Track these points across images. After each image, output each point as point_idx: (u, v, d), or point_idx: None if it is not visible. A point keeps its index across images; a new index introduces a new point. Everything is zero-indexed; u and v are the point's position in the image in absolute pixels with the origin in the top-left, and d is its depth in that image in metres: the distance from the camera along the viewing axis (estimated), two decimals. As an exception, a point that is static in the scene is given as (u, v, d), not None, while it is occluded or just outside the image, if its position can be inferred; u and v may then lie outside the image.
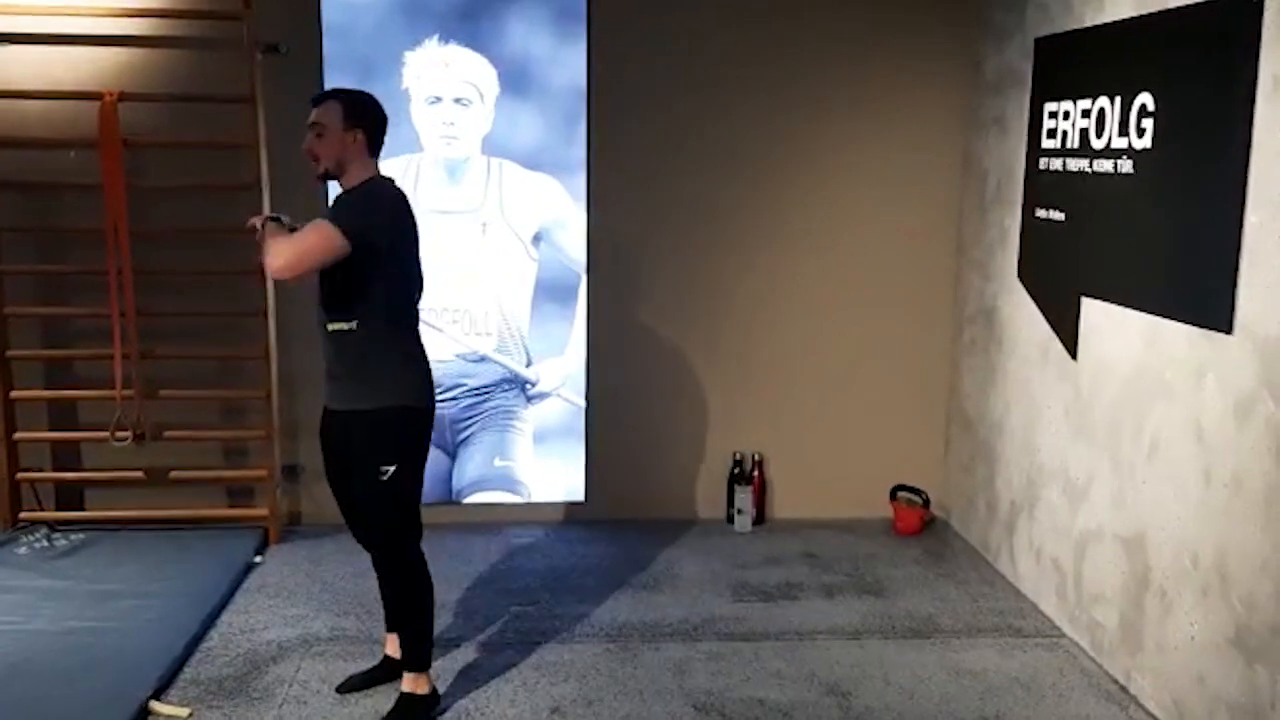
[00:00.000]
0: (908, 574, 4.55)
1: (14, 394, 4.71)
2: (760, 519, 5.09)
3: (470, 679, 3.63)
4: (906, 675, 3.70)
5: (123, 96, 4.53)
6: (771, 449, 5.13)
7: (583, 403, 4.98)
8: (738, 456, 5.08)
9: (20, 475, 4.75)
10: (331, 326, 3.24)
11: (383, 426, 3.24)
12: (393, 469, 3.23)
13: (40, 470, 4.83)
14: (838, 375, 5.10)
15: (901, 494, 5.09)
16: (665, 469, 5.12)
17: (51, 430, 4.83)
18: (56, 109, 4.60)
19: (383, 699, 3.47)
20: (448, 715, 3.42)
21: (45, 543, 4.60)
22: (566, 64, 4.78)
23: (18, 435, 4.73)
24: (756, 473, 5.08)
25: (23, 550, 4.52)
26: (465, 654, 3.80)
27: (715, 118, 4.89)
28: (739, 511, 5.02)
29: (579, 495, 5.05)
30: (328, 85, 4.66)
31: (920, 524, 5.01)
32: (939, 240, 5.05)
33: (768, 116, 4.90)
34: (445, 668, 3.69)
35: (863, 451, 5.15)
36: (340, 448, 3.36)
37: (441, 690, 3.53)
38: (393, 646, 3.59)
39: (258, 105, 4.58)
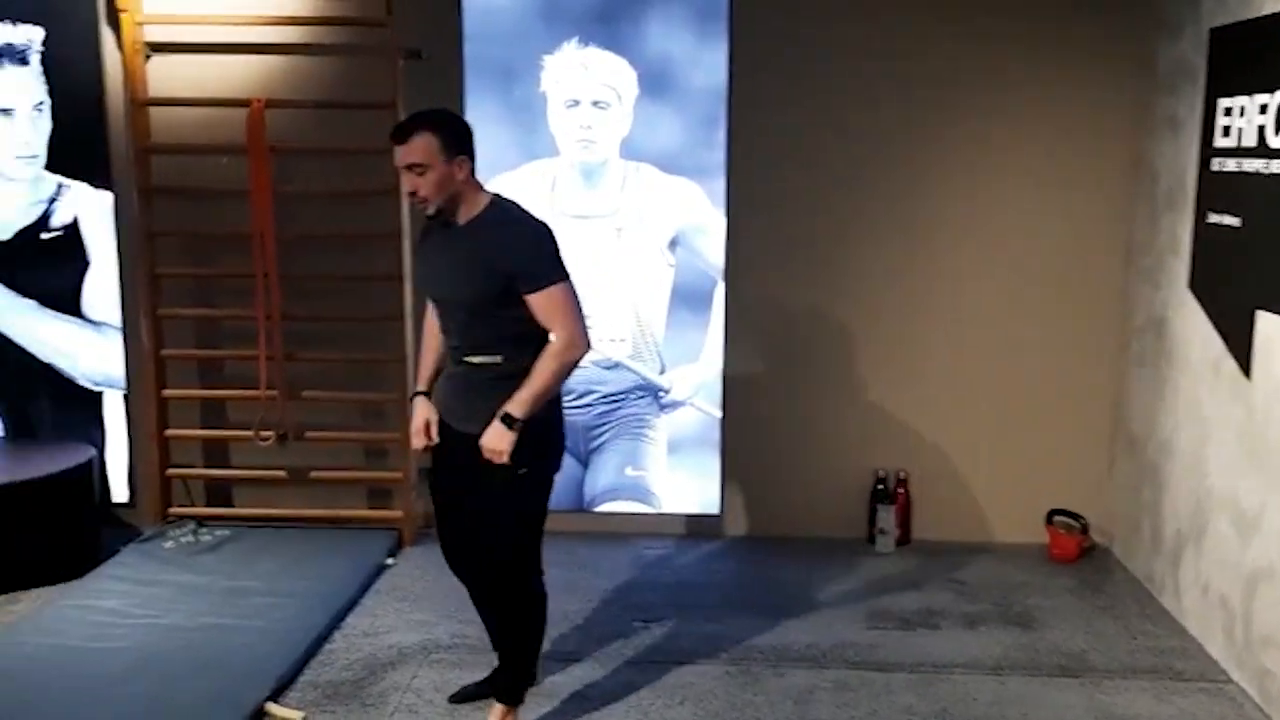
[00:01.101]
0: (1060, 605, 4.23)
1: (166, 392, 4.86)
2: (904, 540, 4.84)
3: (583, 697, 3.53)
4: (1049, 717, 3.42)
5: (270, 103, 4.63)
6: (917, 466, 4.87)
7: (718, 413, 4.83)
8: (881, 473, 4.84)
9: (170, 471, 4.91)
10: (475, 360, 3.08)
11: (522, 436, 3.02)
12: (525, 471, 3.06)
13: (191, 467, 4.98)
14: (991, 389, 4.80)
15: (1058, 518, 4.75)
16: (803, 484, 4.91)
17: (202, 428, 4.98)
18: (208, 116, 4.73)
19: (493, 713, 3.41)
20: (556, 734, 3.35)
21: (191, 538, 4.73)
22: (706, 64, 4.65)
23: (169, 432, 4.89)
24: (900, 491, 4.83)
25: (169, 545, 4.66)
26: (582, 670, 3.71)
27: (862, 118, 4.67)
28: (881, 531, 4.78)
29: (713, 508, 4.90)
30: (468, 90, 4.70)
31: (1078, 551, 4.67)
32: (1106, 247, 4.70)
33: (920, 116, 4.66)
34: (559, 682, 3.61)
35: (1017, 471, 4.84)
36: (464, 470, 3.13)
37: (552, 706, 3.46)
38: None
39: (399, 111, 4.60)
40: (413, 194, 3.01)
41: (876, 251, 4.76)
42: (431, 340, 3.34)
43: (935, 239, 4.74)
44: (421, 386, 3.34)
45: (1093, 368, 4.77)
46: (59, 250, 4.87)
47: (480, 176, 4.62)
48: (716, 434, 4.85)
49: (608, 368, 4.80)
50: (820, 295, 4.81)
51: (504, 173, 4.70)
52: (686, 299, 4.78)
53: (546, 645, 3.82)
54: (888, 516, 4.77)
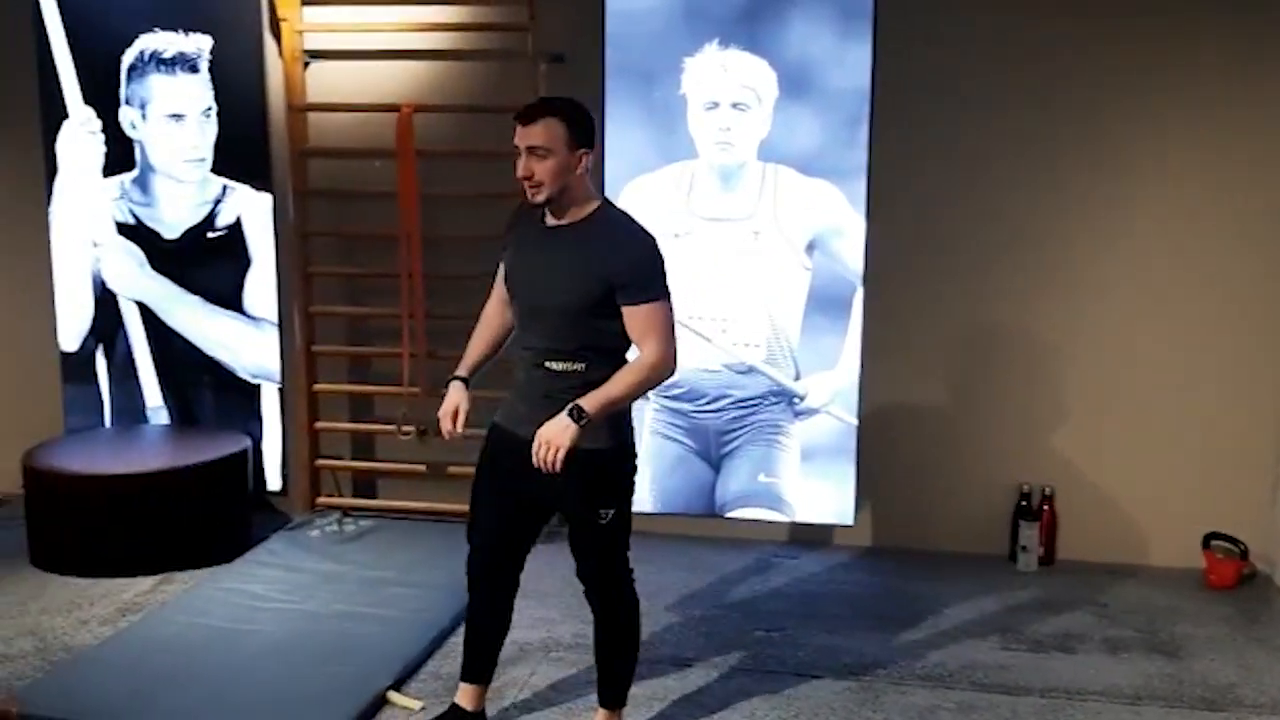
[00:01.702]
0: (1211, 634, 3.99)
1: (317, 386, 5.06)
2: (1047, 559, 4.63)
3: (695, 703, 3.51)
4: (1188, 754, 3.23)
5: (418, 108, 4.76)
6: (1064, 482, 4.66)
7: (854, 421, 4.73)
8: (1025, 489, 4.65)
9: (319, 462, 5.10)
10: (557, 366, 2.97)
11: (602, 469, 2.97)
12: (612, 513, 3.01)
13: (339, 459, 5.17)
14: (1147, 403, 4.56)
15: (1216, 542, 4.47)
16: (942, 497, 4.77)
17: (350, 422, 5.16)
18: (361, 121, 4.90)
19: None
20: (666, 739, 3.34)
21: (336, 527, 4.91)
22: (849, 65, 4.55)
23: (319, 425, 5.08)
24: (1045, 508, 4.63)
25: (315, 533, 4.85)
26: (697, 675, 3.68)
27: (1009, 119, 4.51)
28: (1023, 549, 4.59)
29: (847, 519, 4.79)
30: (609, 93, 4.73)
31: (1236, 577, 4.39)
32: (1274, 255, 4.40)
33: (1070, 117, 4.46)
34: (672, 686, 3.59)
35: (1173, 491, 4.58)
36: (524, 481, 2.99)
37: (663, 709, 3.44)
38: (465, 698, 3.31)
39: (539, 114, 4.67)
40: (528, 178, 2.89)
41: (1023, 257, 4.58)
42: (486, 332, 3.27)
43: (1087, 244, 4.54)
44: (462, 373, 3.21)
45: (1258, 384, 4.48)
46: (223, 249, 5.12)
47: (618, 178, 4.76)
48: (852, 443, 4.74)
49: (742, 372, 4.76)
50: (964, 301, 4.66)
51: (641, 174, 4.72)
52: (823, 304, 4.69)
53: (665, 649, 3.85)
54: (1030, 534, 4.57)
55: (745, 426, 4.80)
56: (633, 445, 3.10)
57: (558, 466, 2.81)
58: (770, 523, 4.84)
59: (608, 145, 4.71)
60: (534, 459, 2.83)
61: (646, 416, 4.83)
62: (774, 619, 4.11)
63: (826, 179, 4.63)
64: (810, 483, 4.79)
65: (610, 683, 3.24)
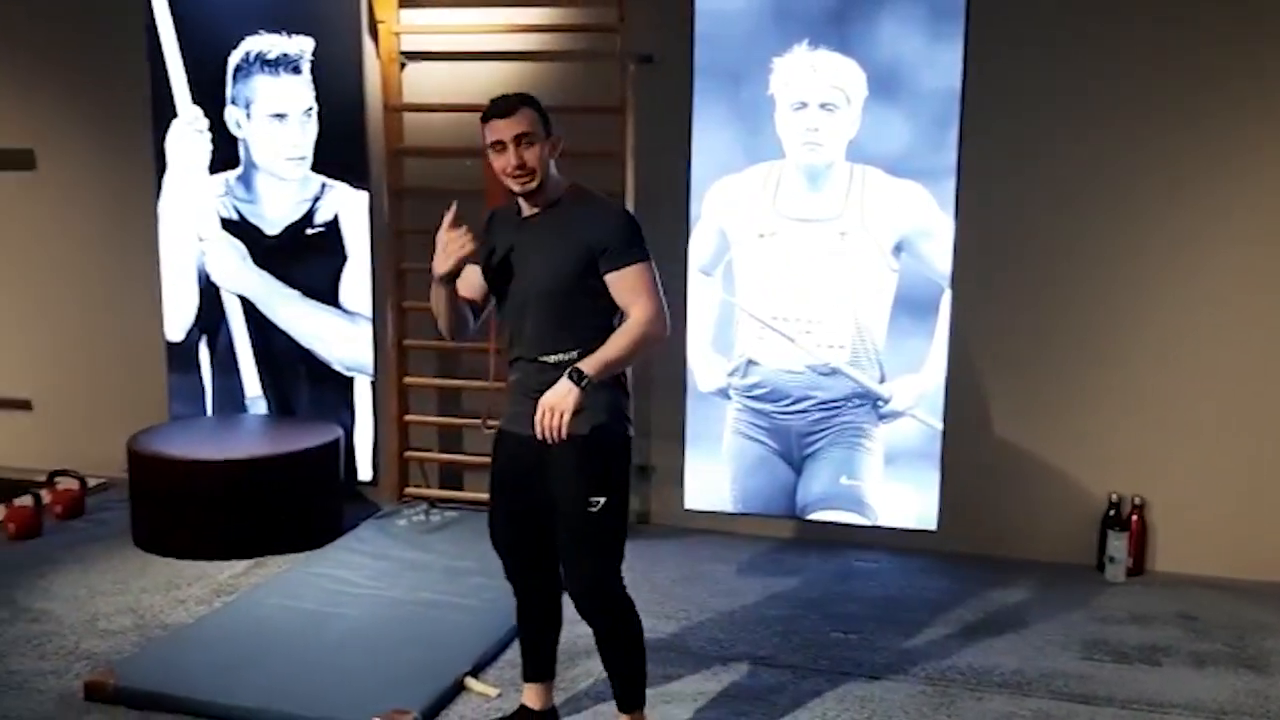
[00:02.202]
0: (1304, 652, 3.87)
1: (407, 379, 5.19)
2: (1136, 570, 4.53)
3: (768, 701, 3.51)
4: (1273, 773, 3.14)
5: (509, 108, 4.85)
6: (1155, 492, 4.55)
7: (939, 425, 4.68)
8: (1114, 498, 4.55)
9: (408, 453, 5.23)
10: (552, 359, 2.93)
11: (596, 449, 2.92)
12: (602, 501, 2.93)
13: (427, 451, 5.29)
14: (1244, 413, 4.44)
15: (1316, 558, 4.34)
16: (1029, 504, 4.69)
17: (438, 415, 5.27)
18: (454, 120, 5.00)
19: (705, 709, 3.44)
20: (736, 735, 3.35)
21: (423, 517, 5.02)
22: (939, 65, 4.51)
23: (408, 417, 5.21)
24: (1135, 518, 4.53)
25: (402, 522, 4.97)
26: (771, 673, 3.69)
27: (1104, 122, 4.43)
28: (1110, 559, 4.49)
29: (930, 524, 4.74)
30: (696, 93, 4.75)
31: (1335, 596, 4.25)
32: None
33: (1167, 120, 4.36)
34: (745, 684, 3.61)
35: (1271, 504, 4.44)
36: (537, 479, 3.00)
37: (736, 707, 3.45)
38: (531, 697, 3.34)
39: (627, 115, 4.73)
40: (519, 166, 2.88)
41: (1117, 260, 4.49)
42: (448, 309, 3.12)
43: (1185, 249, 4.43)
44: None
45: (1365, 395, 4.33)
46: (321, 245, 5.27)
47: (703, 178, 4.79)
48: (936, 447, 4.69)
49: (825, 374, 4.74)
50: (1055, 306, 4.58)
51: (728, 175, 4.73)
52: (910, 306, 4.65)
53: (740, 647, 3.86)
54: (1119, 544, 4.48)
55: (828, 428, 4.78)
56: (629, 438, 3.04)
57: (563, 433, 2.78)
58: (851, 526, 4.82)
59: (694, 145, 4.74)
60: (537, 429, 2.80)
61: (728, 416, 4.85)
62: (851, 621, 4.10)
63: (915, 180, 4.59)
64: (893, 486, 4.76)
65: (625, 686, 3.17)
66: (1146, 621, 4.11)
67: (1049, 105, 4.47)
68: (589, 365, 2.82)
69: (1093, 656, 3.83)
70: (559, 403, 2.78)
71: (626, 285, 2.90)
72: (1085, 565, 4.60)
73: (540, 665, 3.32)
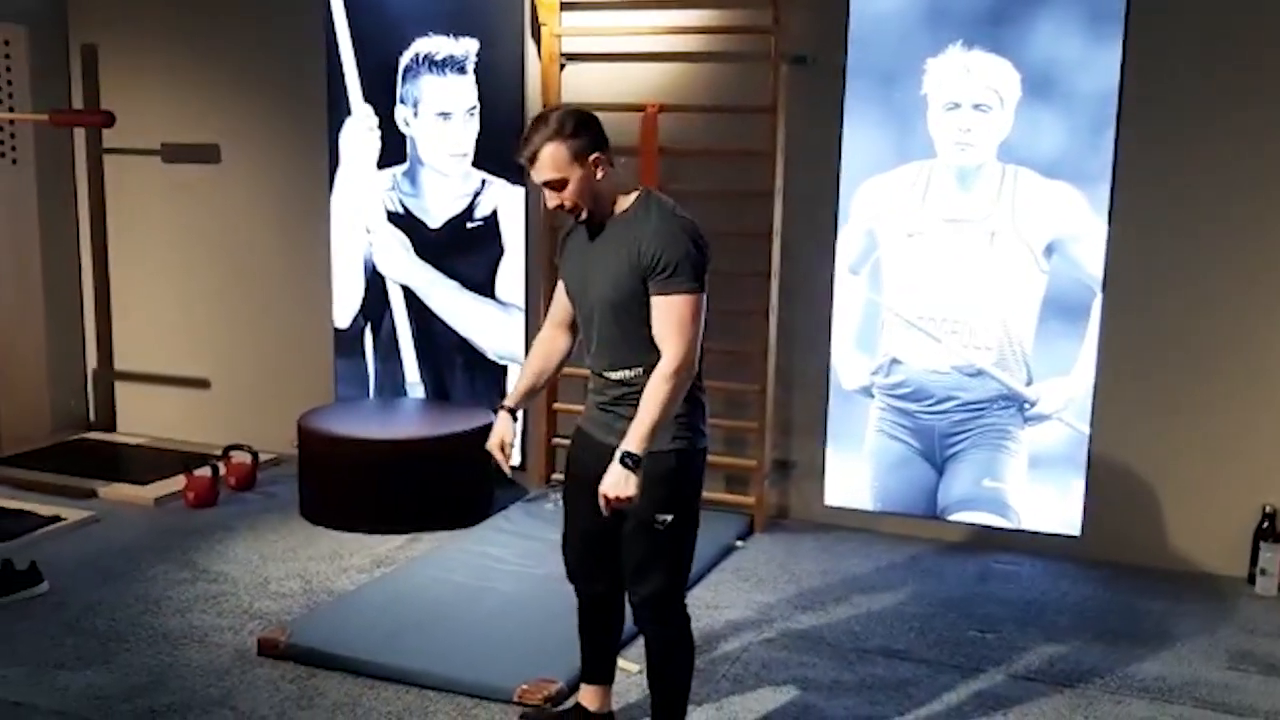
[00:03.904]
0: None
1: (558, 370, 5.37)
2: (1291, 584, 4.42)
3: (903, 694, 3.56)
4: None
5: (663, 108, 4.99)
6: (1314, 506, 4.43)
7: (1087, 430, 4.63)
8: (1268, 509, 4.43)
9: (555, 441, 5.41)
10: (615, 376, 2.92)
11: (663, 474, 2.85)
12: (669, 518, 2.88)
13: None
14: None
15: None
16: (1177, 514, 4.61)
17: (584, 405, 5.43)
18: (610, 120, 5.12)
19: (816, 693, 3.52)
20: (870, 723, 3.41)
21: (569, 503, 5.20)
22: (1097, 67, 4.47)
23: (556, 406, 5.39)
24: (1291, 531, 4.42)
25: (549, 506, 5.15)
26: (907, 668, 3.73)
27: (1270, 126, 4.31)
28: (1262, 572, 4.39)
29: (1074, 530, 4.70)
30: (848, 93, 4.81)
31: None
32: None
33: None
34: (881, 675, 3.66)
35: None
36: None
37: (871, 697, 3.51)
38: (588, 698, 3.31)
39: (779, 115, 4.81)
40: (559, 208, 2.87)
41: (1275, 270, 4.38)
42: (535, 361, 3.19)
43: (1352, 257, 4.30)
44: (509, 403, 3.15)
45: None
46: (480, 239, 5.51)
47: (853, 178, 4.85)
48: (1083, 452, 4.65)
49: (971, 375, 4.75)
50: (1209, 312, 4.49)
51: (877, 174, 4.78)
52: (1059, 309, 4.63)
53: (875, 640, 3.92)
54: (1272, 556, 4.37)
55: (971, 430, 4.78)
56: (702, 449, 2.97)
57: (634, 504, 2.78)
58: (992, 529, 4.81)
59: (844, 144, 4.81)
60: (603, 512, 2.81)
61: (871, 414, 4.90)
62: (990, 621, 4.10)
63: (1068, 182, 4.57)
64: (1037, 490, 4.73)
65: (664, 701, 3.09)
66: (1299, 637, 4.02)
67: (1208, 109, 4.39)
68: (633, 442, 2.75)
69: (1239, 667, 3.77)
70: (618, 492, 2.76)
71: (661, 315, 2.81)
72: (1235, 577, 4.50)
73: (596, 667, 3.31)
